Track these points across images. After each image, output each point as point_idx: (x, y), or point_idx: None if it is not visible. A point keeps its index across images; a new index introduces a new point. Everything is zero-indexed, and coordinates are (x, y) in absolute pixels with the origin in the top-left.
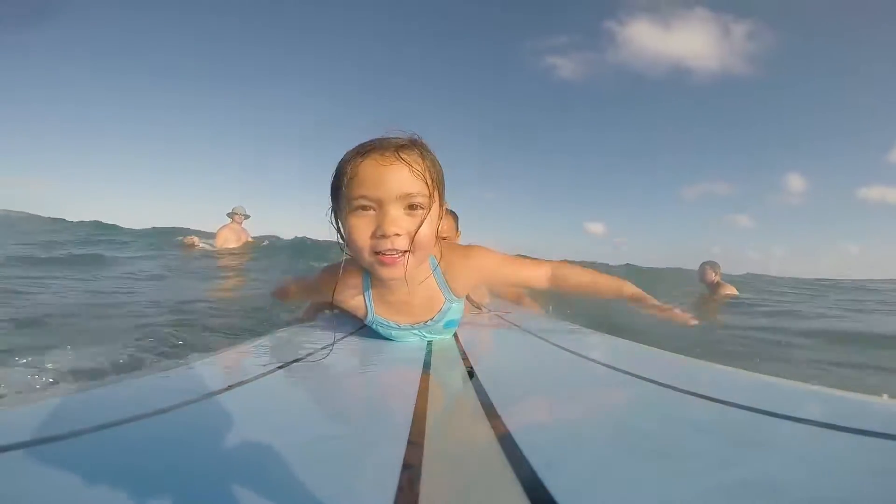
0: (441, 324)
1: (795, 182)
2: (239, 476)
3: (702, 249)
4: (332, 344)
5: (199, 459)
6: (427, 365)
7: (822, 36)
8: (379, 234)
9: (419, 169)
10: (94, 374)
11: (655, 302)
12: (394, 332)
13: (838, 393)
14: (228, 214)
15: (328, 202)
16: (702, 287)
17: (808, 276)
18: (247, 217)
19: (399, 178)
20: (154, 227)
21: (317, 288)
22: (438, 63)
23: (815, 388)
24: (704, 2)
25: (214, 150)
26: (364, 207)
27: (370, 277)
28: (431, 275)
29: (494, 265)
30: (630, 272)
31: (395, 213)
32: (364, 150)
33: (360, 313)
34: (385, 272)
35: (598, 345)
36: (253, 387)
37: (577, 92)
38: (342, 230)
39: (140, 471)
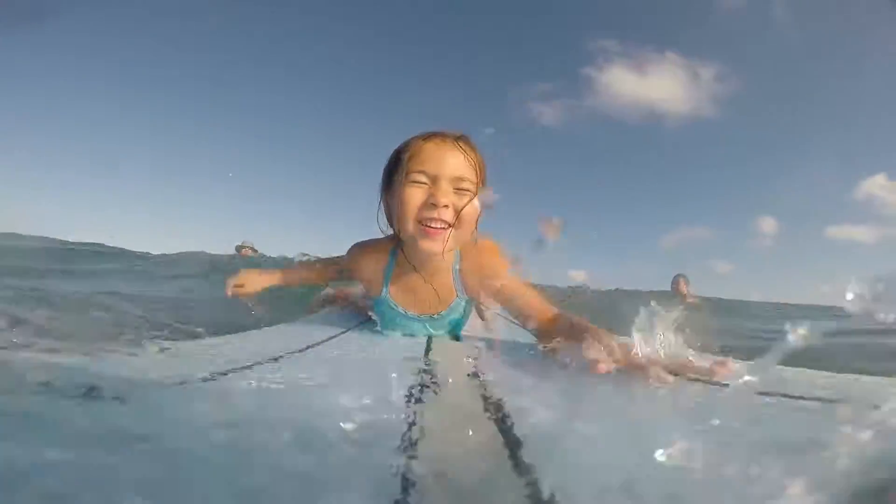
0: (446, 320)
1: (768, 225)
2: (232, 470)
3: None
4: (336, 337)
5: (189, 451)
6: (428, 362)
7: (782, 77)
8: (430, 203)
9: (472, 158)
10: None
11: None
12: (399, 319)
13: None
14: (237, 247)
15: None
16: (671, 295)
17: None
18: (255, 252)
19: (455, 162)
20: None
21: (341, 261)
22: (427, 111)
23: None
24: (673, 46)
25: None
26: (420, 182)
27: (395, 257)
28: (452, 261)
29: (499, 263)
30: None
31: (447, 188)
32: (427, 135)
33: (374, 289)
34: (426, 244)
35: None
36: (248, 377)
37: (559, 139)
38: (391, 202)
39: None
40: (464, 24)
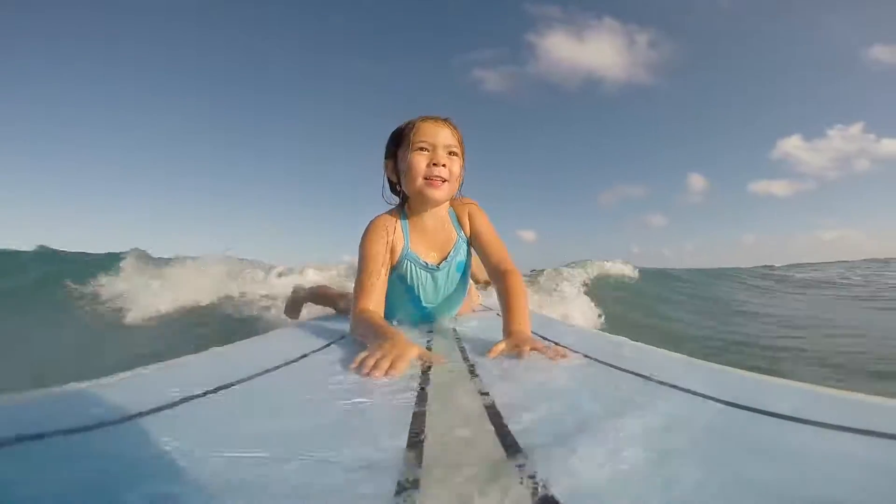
0: (455, 261)
1: (697, 182)
2: (230, 477)
3: (622, 250)
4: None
5: (189, 461)
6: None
7: (711, 43)
8: (433, 164)
9: (456, 132)
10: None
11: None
12: (421, 273)
13: (841, 394)
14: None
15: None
16: None
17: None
18: None
19: (446, 134)
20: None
21: (372, 238)
22: (371, 77)
23: (816, 388)
24: (612, 11)
25: None
26: (423, 148)
27: (405, 214)
28: (448, 211)
29: (479, 213)
30: None
31: (442, 153)
32: (423, 117)
33: (398, 245)
34: (431, 192)
35: (598, 343)
36: (245, 387)
37: (502, 105)
38: (401, 166)
39: (120, 475)
40: None
